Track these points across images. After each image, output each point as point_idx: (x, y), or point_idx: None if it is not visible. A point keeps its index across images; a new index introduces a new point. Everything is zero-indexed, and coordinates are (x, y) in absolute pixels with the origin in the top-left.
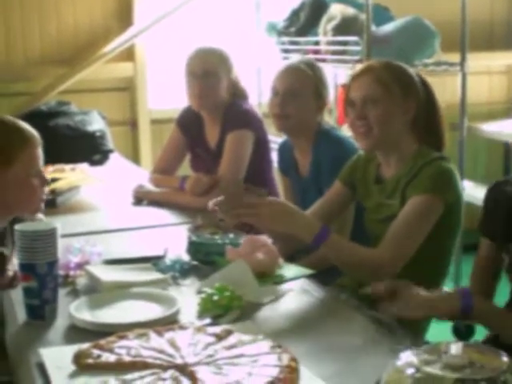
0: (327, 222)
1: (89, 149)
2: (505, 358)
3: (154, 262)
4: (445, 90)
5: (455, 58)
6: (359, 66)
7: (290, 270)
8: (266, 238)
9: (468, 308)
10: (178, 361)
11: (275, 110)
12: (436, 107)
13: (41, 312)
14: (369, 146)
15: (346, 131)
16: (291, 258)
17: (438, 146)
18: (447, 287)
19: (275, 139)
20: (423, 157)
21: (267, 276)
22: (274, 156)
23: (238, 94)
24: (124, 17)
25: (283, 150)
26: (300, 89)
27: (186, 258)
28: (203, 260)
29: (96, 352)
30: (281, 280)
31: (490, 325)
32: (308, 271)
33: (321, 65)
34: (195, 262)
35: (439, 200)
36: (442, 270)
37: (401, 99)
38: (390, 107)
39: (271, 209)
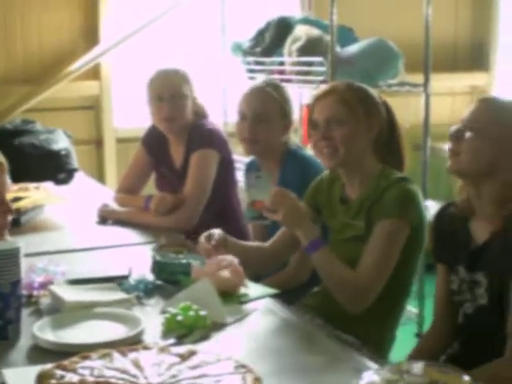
0: (291, 251)
1: (54, 167)
2: (466, 378)
3: (118, 281)
4: (408, 110)
5: (419, 78)
6: (322, 88)
7: (254, 289)
8: (232, 258)
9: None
10: (142, 381)
11: (244, 134)
12: (396, 127)
13: (4, 332)
14: (334, 165)
15: (311, 150)
16: (257, 278)
17: (398, 166)
18: (411, 306)
19: (240, 158)
20: (386, 178)
21: (232, 295)
22: (240, 176)
23: (199, 112)
24: (90, 36)
25: (250, 170)
26: (267, 112)
27: (150, 277)
28: (168, 279)
29: (59, 373)
30: (245, 299)
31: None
32: (273, 291)
33: (286, 85)
34: (160, 282)
35: (405, 223)
36: (405, 289)
37: (364, 118)
38: (354, 127)
39: (290, 204)
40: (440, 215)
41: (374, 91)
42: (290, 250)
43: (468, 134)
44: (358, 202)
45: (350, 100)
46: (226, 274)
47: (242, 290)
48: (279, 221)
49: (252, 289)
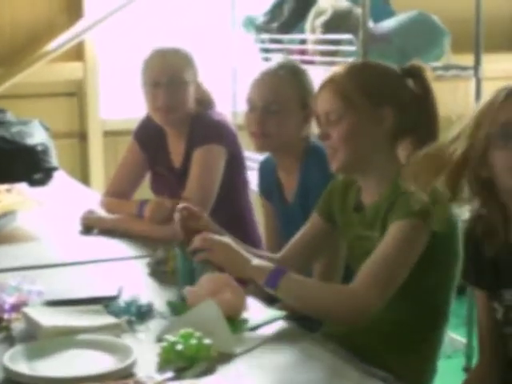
0: (307, 263)
1: (28, 166)
2: None
3: (105, 303)
4: (455, 98)
5: (468, 60)
6: (327, 74)
7: (262, 312)
8: (226, 276)
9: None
10: None
11: (253, 127)
12: (434, 116)
13: None
14: (337, 169)
15: None
16: (270, 299)
17: None
18: (458, 334)
19: (253, 156)
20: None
21: (234, 321)
22: (252, 176)
23: (204, 101)
24: (72, 9)
25: (264, 169)
26: (280, 101)
27: (143, 298)
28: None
29: None
30: (256, 325)
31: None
32: (282, 313)
33: (307, 68)
34: (155, 304)
35: (423, 225)
36: (441, 311)
37: (370, 109)
38: (355, 122)
39: (224, 246)
40: (471, 227)
41: (394, 68)
42: (306, 262)
43: None
44: (373, 209)
45: (347, 90)
46: (226, 295)
47: (245, 315)
48: (215, 261)
49: (257, 312)
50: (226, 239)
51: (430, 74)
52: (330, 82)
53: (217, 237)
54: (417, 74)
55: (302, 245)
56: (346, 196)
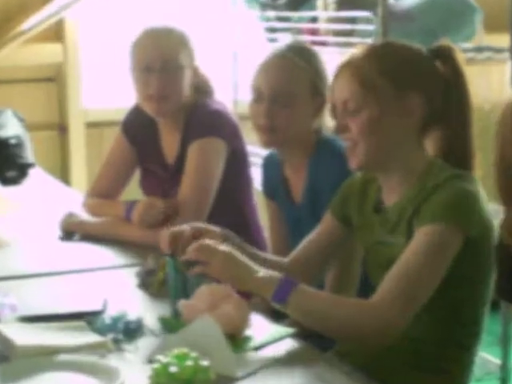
0: (318, 270)
1: (0, 162)
2: None
3: (88, 319)
4: (489, 84)
5: (503, 41)
6: (344, 56)
7: (267, 329)
8: (228, 288)
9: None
10: None
11: (260, 120)
12: (466, 105)
13: None
14: (357, 166)
15: None
16: (278, 314)
17: (463, 162)
18: (492, 355)
19: (257, 150)
20: (435, 175)
21: (236, 338)
22: (255, 173)
23: (201, 88)
24: None
25: (269, 166)
26: (292, 91)
27: (132, 313)
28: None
29: None
30: (260, 344)
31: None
32: (290, 330)
33: (319, 49)
34: (146, 320)
35: (456, 231)
36: (472, 327)
37: (394, 97)
38: (377, 112)
39: (224, 257)
40: (505, 236)
41: (421, 51)
42: (317, 269)
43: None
44: (397, 211)
45: (367, 74)
46: (227, 310)
47: (248, 332)
48: (213, 275)
49: (264, 328)
50: (225, 247)
51: (460, 56)
52: (348, 66)
53: (213, 245)
54: (446, 55)
55: (313, 249)
56: (364, 195)
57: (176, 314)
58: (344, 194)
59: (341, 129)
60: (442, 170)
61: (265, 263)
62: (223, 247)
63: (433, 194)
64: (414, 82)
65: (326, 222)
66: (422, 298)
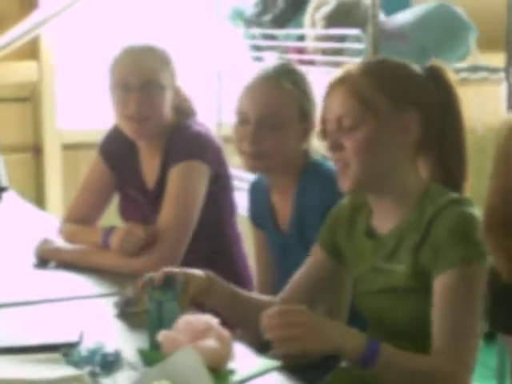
0: (311, 306)
1: None
2: None
3: (64, 351)
4: (484, 105)
5: (498, 60)
6: (336, 72)
7: (250, 362)
8: (209, 318)
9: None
10: None
11: (245, 145)
12: (459, 125)
13: None
14: (349, 188)
15: None
16: (262, 346)
17: (455, 183)
18: None
19: (241, 175)
20: (432, 199)
21: (219, 372)
22: (240, 198)
23: (183, 109)
24: None
25: (256, 192)
26: (280, 115)
27: (110, 345)
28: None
29: None
30: (245, 377)
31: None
32: (275, 364)
33: (307, 69)
34: (124, 352)
35: (478, 264)
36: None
37: (392, 114)
38: (374, 129)
39: (306, 318)
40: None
41: (417, 69)
42: (310, 305)
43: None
44: (394, 238)
45: (364, 89)
46: (209, 342)
47: (231, 364)
48: (301, 351)
49: (248, 361)
50: (308, 315)
51: (453, 77)
52: (343, 82)
53: (298, 312)
54: (437, 76)
55: (302, 286)
56: (353, 221)
57: (155, 346)
58: (331, 224)
59: (335, 147)
60: (441, 193)
61: (256, 304)
62: (306, 316)
63: (434, 224)
64: (412, 99)
65: (315, 256)
66: (473, 346)
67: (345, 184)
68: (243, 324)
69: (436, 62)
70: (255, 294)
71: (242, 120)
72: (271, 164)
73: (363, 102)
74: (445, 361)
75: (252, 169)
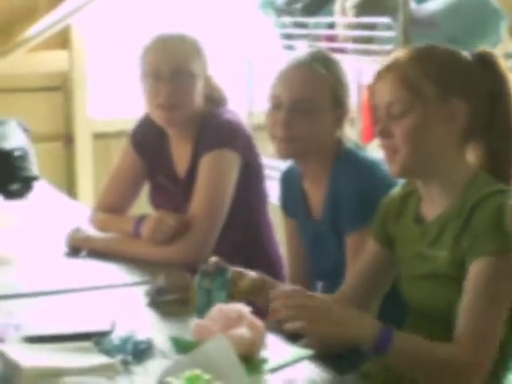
0: (370, 300)
1: (3, 175)
2: None
3: (96, 340)
4: None
5: None
6: (384, 60)
7: (283, 351)
8: (243, 307)
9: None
10: None
11: (278, 130)
12: (508, 107)
13: None
14: (397, 172)
15: (374, 152)
16: (293, 335)
17: (504, 172)
18: None
19: (272, 163)
20: (477, 188)
21: (251, 361)
22: (271, 187)
23: (214, 98)
24: None
25: (288, 181)
26: (314, 100)
27: (141, 334)
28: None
29: None
30: (277, 366)
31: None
32: (308, 352)
33: (337, 57)
34: (156, 340)
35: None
36: (505, 353)
37: (439, 102)
38: (422, 116)
39: (323, 306)
40: None
41: (466, 56)
42: (369, 299)
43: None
44: (438, 224)
45: (413, 77)
46: (241, 331)
47: (264, 353)
48: (306, 332)
49: (280, 350)
50: (321, 301)
51: (503, 63)
52: (392, 69)
53: (310, 302)
54: (489, 62)
55: (361, 280)
56: (403, 208)
57: None
58: (382, 215)
59: (384, 133)
60: (487, 183)
61: None
62: (319, 302)
63: (475, 211)
64: (460, 87)
65: (370, 250)
66: (496, 335)
67: (393, 169)
68: None
69: (486, 47)
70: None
71: (275, 105)
72: (303, 149)
73: (411, 88)
74: (463, 350)
75: (284, 153)
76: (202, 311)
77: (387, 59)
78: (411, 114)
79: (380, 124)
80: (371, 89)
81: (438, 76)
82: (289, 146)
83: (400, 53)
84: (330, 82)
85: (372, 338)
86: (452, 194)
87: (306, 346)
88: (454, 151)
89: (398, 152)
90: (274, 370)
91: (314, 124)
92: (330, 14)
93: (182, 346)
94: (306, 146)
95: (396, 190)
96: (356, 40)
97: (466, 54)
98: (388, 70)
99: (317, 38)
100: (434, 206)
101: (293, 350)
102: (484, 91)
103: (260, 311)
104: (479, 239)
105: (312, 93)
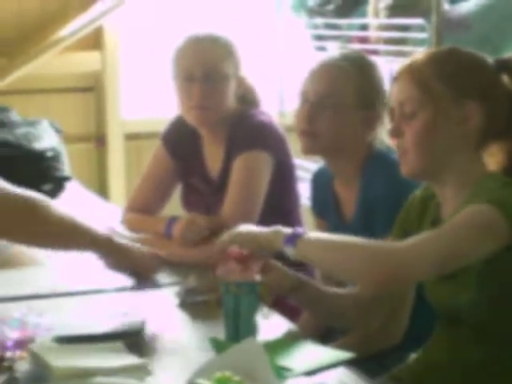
0: (390, 301)
1: (36, 175)
2: None
3: (127, 340)
4: None
5: None
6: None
7: (319, 353)
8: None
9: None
10: None
11: (301, 124)
12: None
13: None
14: (407, 173)
15: None
16: (325, 338)
17: None
18: None
19: (305, 164)
20: (486, 186)
21: (285, 363)
22: (303, 189)
23: (247, 99)
24: None
25: (319, 181)
26: (337, 96)
27: (171, 335)
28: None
29: None
30: (309, 369)
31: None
32: (347, 355)
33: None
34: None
35: (501, 218)
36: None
37: (452, 103)
38: (432, 116)
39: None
40: None
41: (486, 61)
42: (397, 298)
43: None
44: None
45: (425, 76)
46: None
47: (296, 355)
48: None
49: (315, 352)
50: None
51: None
52: (408, 69)
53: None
54: (510, 67)
55: None
56: (423, 212)
57: (230, 338)
58: (403, 217)
59: (396, 133)
60: (497, 179)
61: (339, 299)
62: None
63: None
64: (474, 90)
65: None
66: (452, 260)
67: (403, 169)
68: (328, 320)
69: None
70: (336, 290)
71: (303, 100)
72: (322, 145)
73: (423, 89)
74: (404, 251)
75: (305, 148)
76: (230, 316)
77: (407, 60)
78: (421, 114)
79: (393, 123)
80: (391, 88)
81: (452, 78)
82: (310, 141)
83: (420, 53)
84: (358, 81)
85: (284, 235)
86: (464, 195)
87: (340, 348)
88: (468, 154)
89: (407, 153)
90: (311, 373)
91: (335, 120)
92: (363, 15)
93: (222, 348)
94: (327, 142)
95: (417, 193)
96: (388, 41)
97: (487, 59)
98: (405, 70)
99: (349, 39)
100: (448, 207)
101: (326, 353)
102: (502, 97)
103: (294, 309)
104: (472, 198)
105: (335, 88)
